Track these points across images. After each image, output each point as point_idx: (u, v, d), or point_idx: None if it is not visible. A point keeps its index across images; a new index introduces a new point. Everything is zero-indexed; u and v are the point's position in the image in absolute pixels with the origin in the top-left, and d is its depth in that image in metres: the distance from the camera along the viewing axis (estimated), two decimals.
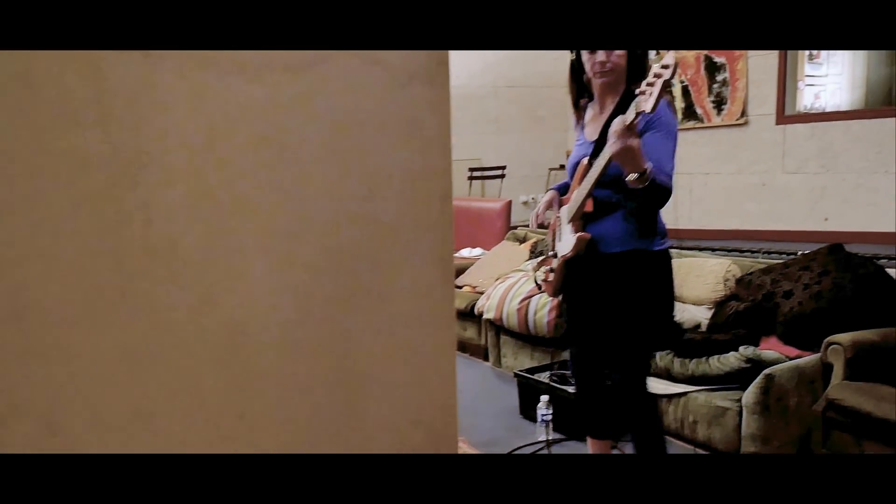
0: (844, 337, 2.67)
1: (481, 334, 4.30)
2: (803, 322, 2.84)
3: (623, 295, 2.22)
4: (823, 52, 7.33)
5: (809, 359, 2.77)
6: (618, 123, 1.90)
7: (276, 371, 0.84)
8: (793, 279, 2.99)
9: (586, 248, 2.24)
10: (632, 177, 1.97)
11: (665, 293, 2.27)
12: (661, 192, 2.03)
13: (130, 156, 0.66)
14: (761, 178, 6.29)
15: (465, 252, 5.40)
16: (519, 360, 3.97)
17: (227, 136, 0.78)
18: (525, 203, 8.24)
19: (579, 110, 2.42)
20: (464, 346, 4.52)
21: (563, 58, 8.07)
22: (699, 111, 6.79)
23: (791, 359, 2.80)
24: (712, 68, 6.62)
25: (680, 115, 6.96)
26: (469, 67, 7.66)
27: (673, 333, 2.36)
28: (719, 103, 6.60)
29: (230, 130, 0.78)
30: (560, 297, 2.53)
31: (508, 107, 8.05)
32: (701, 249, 5.63)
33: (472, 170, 7.35)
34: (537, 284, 2.54)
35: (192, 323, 0.78)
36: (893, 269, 4.30)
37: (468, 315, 4.31)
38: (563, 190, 2.48)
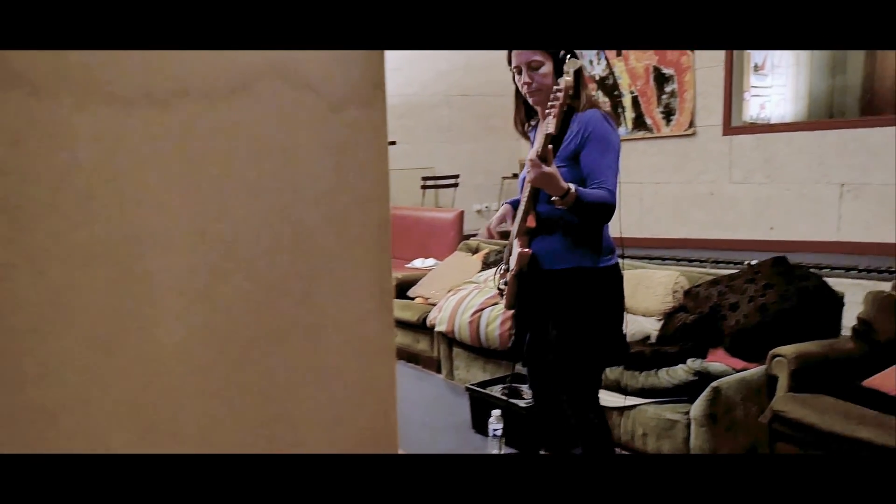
0: (788, 349, 2.71)
1: (434, 346, 4.27)
2: (749, 335, 2.87)
3: (566, 312, 2.21)
4: (768, 64, 7.50)
5: (755, 371, 2.80)
6: (531, 153, 2.00)
7: (190, 418, 0.79)
8: (738, 292, 3.02)
9: (529, 264, 2.23)
10: (554, 199, 2.00)
11: (610, 310, 2.26)
12: (591, 209, 2.04)
13: (20, 202, 0.61)
14: (709, 188, 6.40)
15: (418, 263, 5.36)
16: (472, 372, 3.95)
17: (135, 174, 0.73)
18: (479, 212, 8.24)
19: (525, 130, 2.41)
20: (416, 359, 4.48)
21: None
22: (649, 121, 6.89)
23: (737, 371, 2.83)
24: (661, 79, 6.72)
25: (630, 125, 7.06)
26: (422, 76, 7.64)
27: (621, 351, 2.35)
28: (668, 114, 6.71)
29: (139, 167, 0.73)
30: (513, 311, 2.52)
31: (461, 115, 8.05)
32: (651, 259, 5.71)
33: (425, 179, 7.33)
34: (499, 291, 2.52)
35: (92, 377, 0.72)
36: (835, 279, 4.42)
37: (420, 327, 4.27)
38: (517, 204, 2.49)
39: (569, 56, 2.17)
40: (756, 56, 6.92)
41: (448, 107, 8.04)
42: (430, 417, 3.58)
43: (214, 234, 0.82)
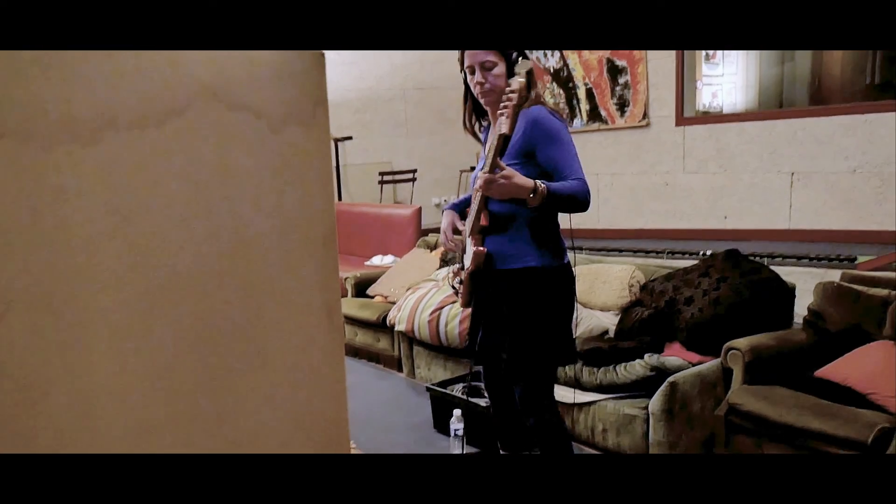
0: (742, 342, 2.75)
1: (394, 345, 4.24)
2: (703, 328, 2.91)
3: (518, 312, 2.21)
4: (719, 53, 7.60)
5: (710, 364, 2.84)
6: (480, 178, 2.00)
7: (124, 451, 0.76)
8: (693, 286, 3.06)
9: (485, 262, 2.22)
10: (528, 201, 1.99)
11: (562, 310, 2.26)
12: (568, 200, 2.02)
13: None
14: (664, 179, 6.47)
15: (377, 260, 5.32)
16: (433, 371, 3.94)
17: (58, 211, 0.70)
18: (437, 205, 8.22)
19: (475, 130, 2.39)
20: (377, 358, 4.45)
21: None
22: (603, 113, 6.93)
23: (694, 365, 2.86)
24: (614, 71, 6.76)
25: (585, 118, 7.09)
26: (377, 70, 7.58)
27: (572, 350, 2.35)
28: (622, 105, 6.76)
29: (61, 204, 0.69)
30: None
31: (417, 109, 8.00)
32: (609, 251, 5.76)
33: (382, 174, 7.27)
34: (454, 290, 2.50)
35: (20, 426, 0.69)
36: (788, 268, 4.51)
37: (380, 326, 4.25)
38: (463, 204, 2.47)
39: (521, 57, 2.16)
40: None
41: (404, 101, 7.99)
42: (391, 417, 3.56)
43: (148, 266, 0.79)
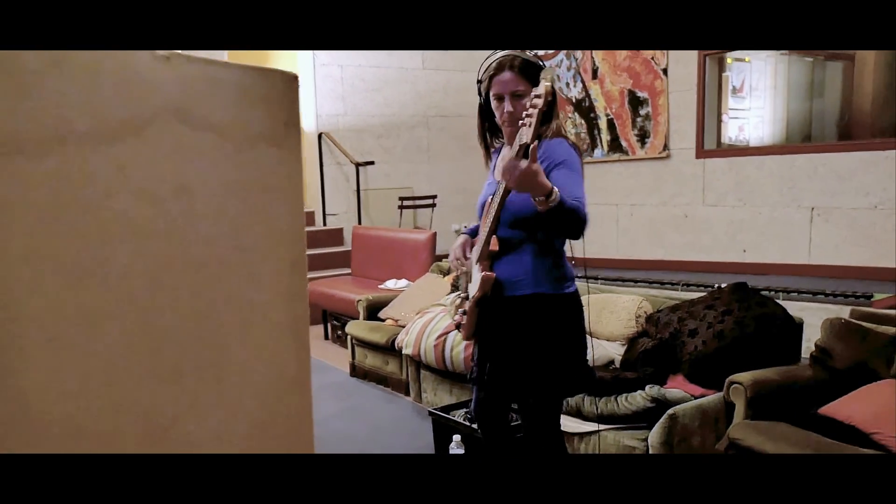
0: (745, 376, 2.71)
1: (402, 369, 4.25)
2: (706, 361, 2.88)
3: (529, 340, 2.19)
4: (746, 86, 7.58)
5: (712, 398, 2.81)
6: (505, 158, 1.93)
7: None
8: (697, 317, 3.03)
9: (493, 288, 2.21)
10: (539, 199, 1.90)
11: (573, 338, 2.24)
12: (572, 215, 1.96)
13: None
14: (683, 210, 6.44)
15: (390, 283, 5.35)
16: (439, 395, 3.93)
17: (6, 226, 0.73)
18: (457, 231, 8.24)
19: (489, 151, 2.40)
20: (385, 381, 4.46)
21: None
22: (624, 144, 6.93)
23: (696, 398, 2.83)
24: (635, 102, 6.78)
25: (606, 148, 7.11)
26: (401, 97, 7.67)
27: (585, 378, 2.33)
28: (643, 136, 6.76)
29: (3, 214, 0.72)
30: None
31: (440, 136, 8.08)
32: (624, 281, 5.73)
33: (402, 199, 7.33)
34: (457, 326, 2.47)
35: None
36: (804, 303, 4.45)
37: (389, 349, 4.26)
38: (475, 233, 2.45)
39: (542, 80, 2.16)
40: (734, 79, 7.00)
41: (427, 127, 8.07)
42: (392, 440, 3.56)
43: (94, 280, 0.82)
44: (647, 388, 2.85)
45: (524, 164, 1.82)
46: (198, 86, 0.95)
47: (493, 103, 2.20)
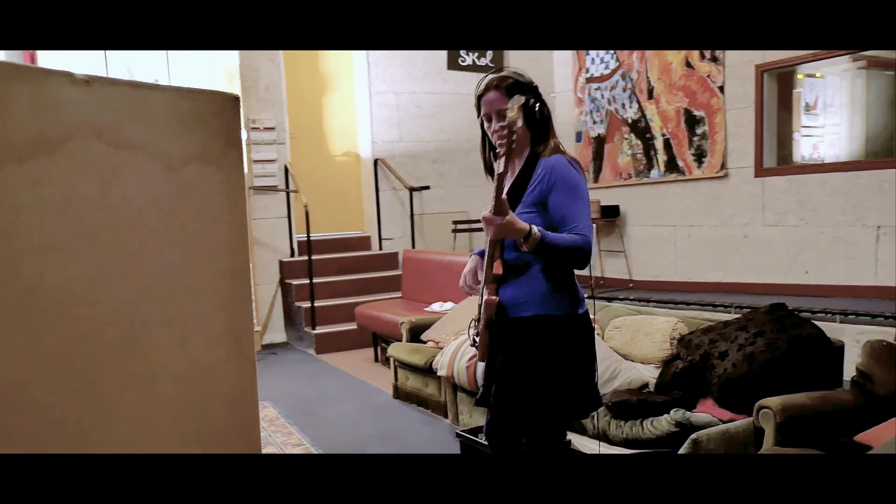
0: (775, 401, 2.59)
1: (441, 391, 4.25)
2: (736, 385, 2.77)
3: (533, 362, 2.16)
4: (820, 103, 7.31)
5: (740, 423, 2.69)
6: (484, 213, 1.99)
7: None
8: (729, 339, 2.93)
9: (497, 312, 2.20)
10: (519, 243, 1.99)
11: (579, 359, 2.20)
12: (561, 253, 2.01)
13: None
14: (743, 231, 6.24)
15: (436, 306, 5.37)
16: (474, 417, 3.91)
17: None
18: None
19: (492, 169, 2.41)
20: (426, 403, 4.46)
21: (551, 111, 8.08)
22: (681, 164, 6.79)
23: (724, 422, 2.72)
24: (692, 121, 6.63)
25: (662, 168, 6.97)
26: (456, 122, 7.74)
27: (591, 401, 2.28)
28: (700, 156, 6.60)
29: None
30: None
31: None
32: (677, 303, 5.58)
33: (455, 223, 7.37)
34: (473, 344, 2.48)
35: None
36: (860, 326, 4.23)
37: (428, 371, 4.27)
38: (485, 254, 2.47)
39: (525, 97, 2.18)
40: (806, 95, 6.77)
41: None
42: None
43: (5, 292, 0.86)
44: (672, 411, 2.76)
45: (497, 220, 1.96)
46: (121, 106, 1.00)
47: (485, 125, 2.22)
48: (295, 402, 4.72)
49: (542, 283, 2.15)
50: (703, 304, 5.44)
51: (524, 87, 2.14)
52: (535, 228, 1.98)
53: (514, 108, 1.89)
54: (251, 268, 6.45)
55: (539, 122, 2.21)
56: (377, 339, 5.82)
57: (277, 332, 6.91)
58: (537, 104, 2.19)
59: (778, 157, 6.24)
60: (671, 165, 6.90)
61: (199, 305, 1.12)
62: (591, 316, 2.33)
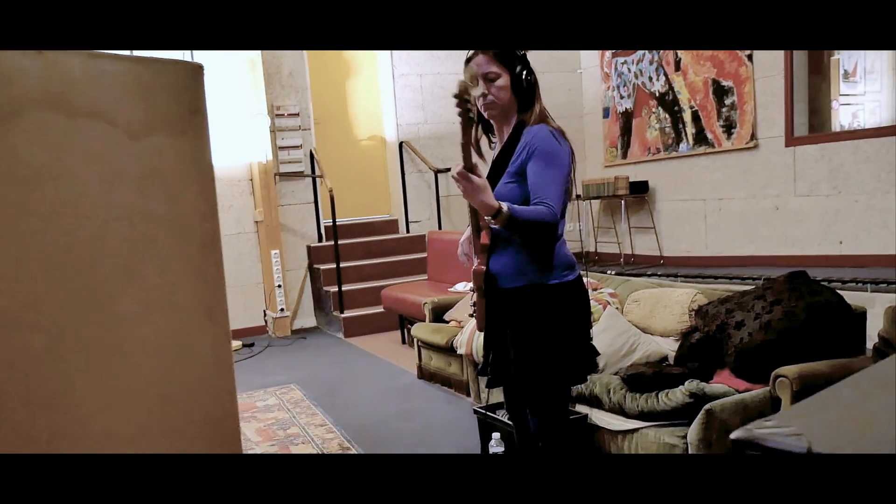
0: (791, 369, 2.53)
1: (463, 370, 4.25)
2: (752, 354, 2.71)
3: (522, 331, 2.16)
4: (860, 70, 7.08)
5: (756, 393, 2.63)
6: (453, 169, 1.94)
7: None
8: (745, 309, 2.86)
9: (485, 282, 2.19)
10: (488, 219, 1.97)
11: (569, 327, 2.18)
12: (529, 227, 1.99)
13: None
14: (774, 202, 6.09)
15: (460, 286, 5.37)
16: (494, 395, 3.89)
17: None
18: None
19: (479, 147, 2.38)
20: (449, 382, 4.47)
21: (576, 90, 7.97)
22: (710, 136, 6.65)
23: (740, 392, 2.67)
24: (720, 92, 6.48)
25: (691, 141, 6.84)
26: None
27: (587, 367, 2.27)
28: (729, 127, 6.45)
29: None
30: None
31: None
32: (704, 277, 5.48)
33: None
34: (471, 315, 2.49)
35: None
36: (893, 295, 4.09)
37: (451, 350, 4.27)
38: None
39: (523, 71, 2.14)
40: (845, 62, 6.57)
41: None
42: (442, 440, 3.57)
43: None
44: (687, 383, 2.72)
45: (474, 179, 1.90)
46: (77, 75, 1.01)
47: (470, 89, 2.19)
48: (321, 385, 4.77)
49: (526, 252, 2.12)
50: (731, 278, 5.33)
51: (512, 54, 2.11)
52: (504, 206, 1.94)
53: (466, 76, 1.85)
54: (279, 253, 6.52)
55: (525, 90, 2.18)
56: (403, 321, 5.84)
57: (308, 317, 6.98)
58: (524, 72, 2.16)
59: (809, 126, 6.06)
60: (700, 138, 6.76)
61: (168, 275, 1.13)
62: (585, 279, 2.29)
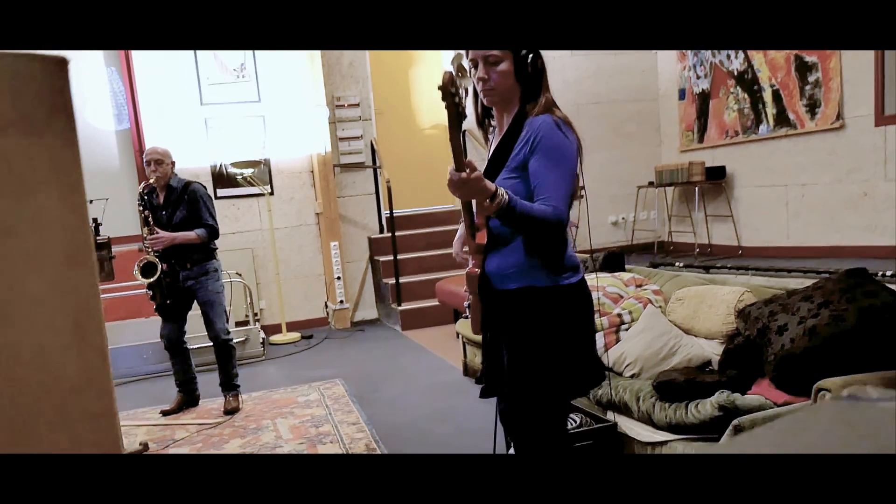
0: (835, 381, 2.23)
1: None
2: (794, 362, 2.41)
3: (518, 336, 1.99)
4: None
5: (794, 407, 2.34)
6: (450, 169, 1.76)
7: None
8: (790, 311, 2.55)
9: (481, 284, 2.03)
10: (485, 204, 1.79)
11: (571, 332, 2.00)
12: (529, 222, 1.82)
13: None
14: (862, 188, 5.57)
15: None
16: None
17: None
18: (614, 223, 7.82)
19: (487, 133, 2.21)
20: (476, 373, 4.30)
21: (650, 71, 7.65)
22: (791, 116, 6.15)
23: (778, 406, 2.38)
24: (803, 69, 5.98)
25: (772, 122, 6.35)
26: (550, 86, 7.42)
27: (594, 376, 2.07)
28: (812, 106, 5.94)
29: None
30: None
31: (593, 124, 7.71)
32: (776, 270, 5.07)
33: None
34: (466, 316, 2.34)
35: None
36: None
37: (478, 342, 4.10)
38: None
39: (530, 54, 1.95)
40: None
41: (579, 116, 7.72)
42: (472, 442, 3.41)
43: None
44: (717, 394, 2.45)
45: (457, 177, 1.73)
46: None
47: (471, 72, 2.01)
48: (365, 380, 4.70)
49: (528, 253, 1.95)
50: (806, 272, 4.89)
51: None
52: (501, 190, 1.77)
53: (453, 67, 1.69)
54: (339, 245, 6.50)
55: (531, 76, 1.99)
56: (457, 314, 5.70)
57: (369, 309, 6.95)
58: (530, 55, 1.97)
59: None
60: (781, 119, 6.27)
61: (28, 287, 1.01)
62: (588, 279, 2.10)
